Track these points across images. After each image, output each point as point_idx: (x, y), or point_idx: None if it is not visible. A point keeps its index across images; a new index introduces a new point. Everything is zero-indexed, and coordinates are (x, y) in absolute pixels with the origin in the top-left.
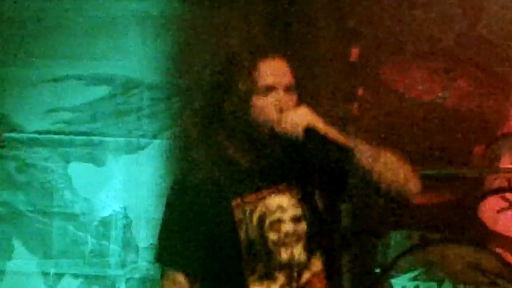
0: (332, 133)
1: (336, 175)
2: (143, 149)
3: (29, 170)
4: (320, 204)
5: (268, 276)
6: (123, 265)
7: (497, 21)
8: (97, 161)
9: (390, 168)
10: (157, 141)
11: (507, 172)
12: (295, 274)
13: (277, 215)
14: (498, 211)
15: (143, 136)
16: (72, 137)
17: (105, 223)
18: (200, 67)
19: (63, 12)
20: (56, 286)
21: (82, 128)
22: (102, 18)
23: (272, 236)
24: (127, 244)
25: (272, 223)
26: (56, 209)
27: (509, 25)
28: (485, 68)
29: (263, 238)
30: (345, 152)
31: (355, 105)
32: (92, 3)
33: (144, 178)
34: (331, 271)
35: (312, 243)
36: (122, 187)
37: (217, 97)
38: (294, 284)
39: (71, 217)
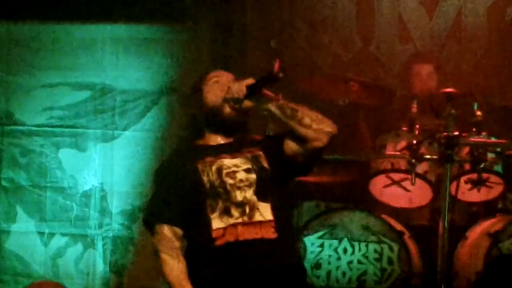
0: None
1: (275, 145)
2: (116, 139)
3: (29, 154)
4: (265, 164)
5: (226, 212)
6: (100, 227)
7: (384, 44)
8: (81, 148)
9: (311, 111)
10: (127, 133)
11: (390, 158)
12: (247, 210)
13: (233, 169)
14: (384, 187)
15: (116, 129)
16: (61, 129)
17: (86, 194)
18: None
19: (55, 33)
20: (49, 242)
21: (69, 123)
22: (85, 39)
23: (229, 181)
24: (103, 210)
25: (228, 173)
26: (49, 184)
27: (393, 47)
28: (375, 79)
29: (223, 182)
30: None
31: None
32: (77, 27)
33: (117, 161)
34: (281, 224)
35: (260, 190)
36: (99, 167)
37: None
38: (245, 218)
39: (61, 190)
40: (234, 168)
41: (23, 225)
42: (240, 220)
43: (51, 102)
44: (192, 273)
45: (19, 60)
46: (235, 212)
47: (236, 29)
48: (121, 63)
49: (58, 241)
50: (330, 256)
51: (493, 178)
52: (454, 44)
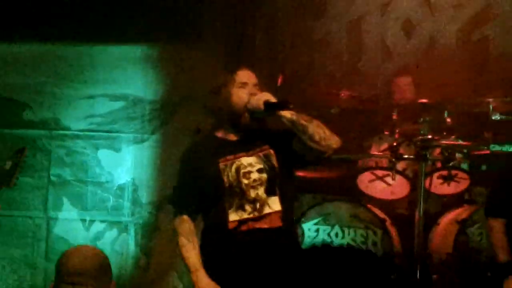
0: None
1: (285, 142)
2: (145, 141)
3: (73, 154)
4: (275, 162)
5: (241, 207)
6: (132, 215)
7: (370, 62)
8: (116, 149)
9: (320, 127)
10: (154, 136)
11: (374, 157)
12: (258, 206)
13: (248, 168)
14: (369, 181)
15: (145, 133)
16: (100, 133)
17: (121, 188)
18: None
19: (94, 52)
20: (90, 228)
21: (106, 128)
22: (119, 57)
23: (245, 181)
24: (135, 201)
25: (244, 173)
26: (90, 179)
27: (377, 64)
28: (362, 92)
29: (239, 182)
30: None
31: None
32: (113, 47)
33: (146, 160)
34: (286, 213)
35: (270, 187)
36: (132, 165)
37: (212, 100)
38: (256, 213)
39: (99, 184)
40: (249, 168)
41: (68, 214)
42: (251, 215)
43: (91, 111)
44: (207, 252)
45: (65, 75)
46: (248, 207)
47: (246, 46)
48: (149, 78)
49: (97, 227)
50: (324, 240)
51: (461, 174)
52: (428, 61)
